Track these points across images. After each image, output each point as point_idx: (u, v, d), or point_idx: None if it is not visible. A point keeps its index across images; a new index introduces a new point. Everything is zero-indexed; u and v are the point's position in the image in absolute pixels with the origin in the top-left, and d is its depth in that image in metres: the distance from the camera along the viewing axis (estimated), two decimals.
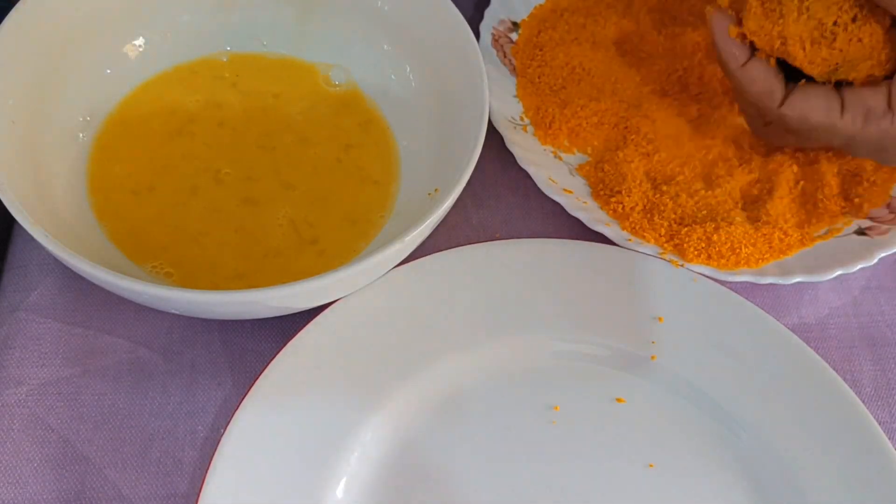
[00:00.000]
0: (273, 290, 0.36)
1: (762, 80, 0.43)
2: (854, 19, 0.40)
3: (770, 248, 0.48)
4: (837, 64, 0.41)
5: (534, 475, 0.41)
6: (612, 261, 0.46)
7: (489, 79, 0.44)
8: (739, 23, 0.43)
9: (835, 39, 0.41)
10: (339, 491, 0.39)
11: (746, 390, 0.42)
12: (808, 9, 0.41)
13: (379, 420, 0.41)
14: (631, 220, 0.48)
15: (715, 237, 0.47)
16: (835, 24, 0.41)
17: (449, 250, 0.45)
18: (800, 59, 0.42)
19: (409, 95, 0.49)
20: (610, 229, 0.47)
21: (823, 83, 0.43)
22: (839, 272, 0.46)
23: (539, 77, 0.54)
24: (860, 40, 0.40)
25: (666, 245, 0.47)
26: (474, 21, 0.56)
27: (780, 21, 0.41)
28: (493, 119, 0.50)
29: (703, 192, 0.50)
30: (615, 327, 0.44)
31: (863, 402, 0.42)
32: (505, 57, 0.55)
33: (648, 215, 0.48)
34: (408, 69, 0.50)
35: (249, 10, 0.51)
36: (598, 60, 0.53)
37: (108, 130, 0.47)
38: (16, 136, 0.42)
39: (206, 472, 0.38)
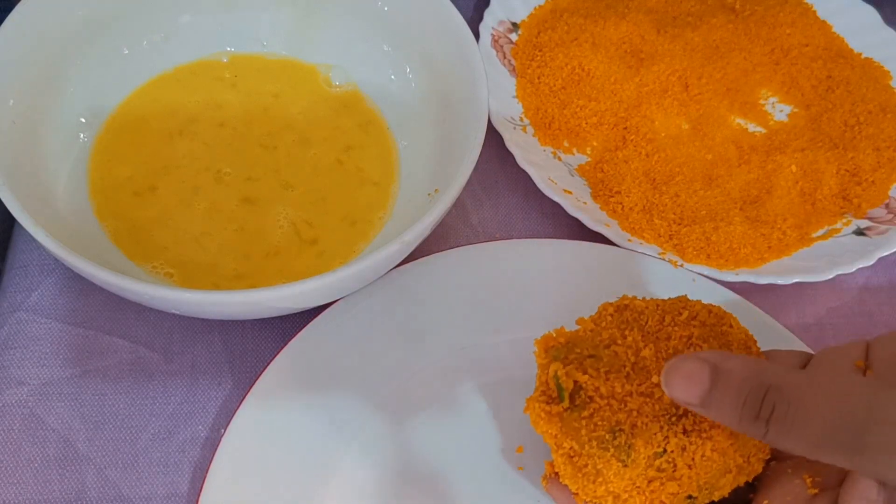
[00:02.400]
0: (273, 291, 0.36)
1: None
2: (686, 433, 0.32)
3: (769, 247, 0.48)
4: (691, 495, 0.33)
5: (535, 475, 0.41)
6: (612, 261, 0.46)
7: (489, 79, 0.44)
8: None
9: (675, 468, 0.32)
10: (339, 491, 0.39)
11: None
12: (628, 447, 0.32)
13: (378, 420, 0.41)
14: (630, 220, 0.48)
15: (714, 237, 0.47)
16: (664, 451, 0.32)
17: (448, 251, 0.45)
18: None
19: (408, 96, 0.49)
20: (609, 229, 0.47)
21: None
22: (838, 272, 0.46)
23: (539, 78, 0.54)
24: (704, 456, 0.32)
25: (665, 245, 0.47)
26: (474, 22, 0.56)
27: (600, 479, 0.33)
28: (492, 119, 0.50)
29: (702, 192, 0.50)
30: None
31: None
32: (504, 58, 0.55)
33: (648, 215, 0.48)
34: (408, 70, 0.50)
35: (249, 11, 0.51)
36: (597, 61, 0.53)
37: (108, 131, 0.47)
38: (16, 137, 0.42)
39: (206, 472, 0.38)
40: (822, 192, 0.50)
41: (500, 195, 0.52)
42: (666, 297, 0.39)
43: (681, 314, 0.36)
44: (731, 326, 0.36)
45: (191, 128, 0.48)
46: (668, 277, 0.45)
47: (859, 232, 0.49)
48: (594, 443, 0.33)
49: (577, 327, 0.37)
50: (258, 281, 0.43)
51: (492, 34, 0.56)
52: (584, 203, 0.49)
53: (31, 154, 0.43)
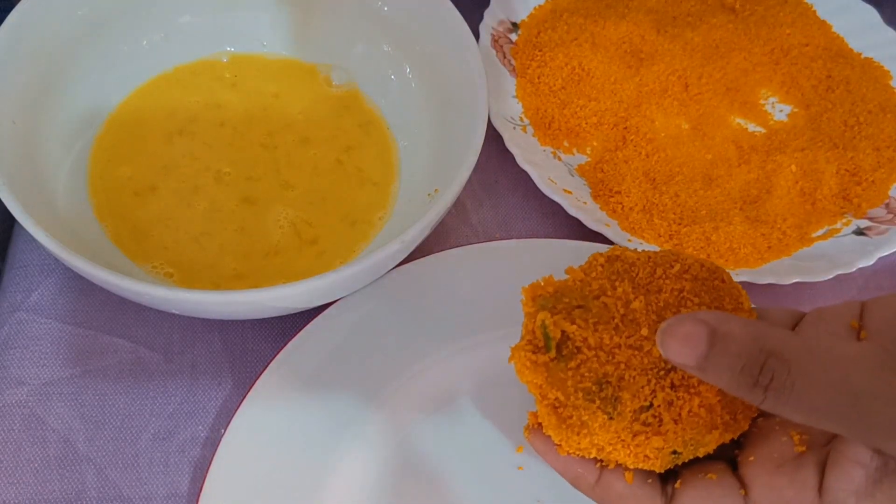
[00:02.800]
0: (273, 291, 0.36)
1: (628, 495, 0.33)
2: (673, 387, 0.32)
3: (769, 247, 0.48)
4: (676, 451, 0.32)
5: (534, 475, 0.41)
6: None
7: (489, 79, 0.44)
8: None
9: (661, 422, 0.32)
10: (339, 491, 0.39)
11: None
12: (615, 400, 0.32)
13: (378, 420, 0.41)
14: (630, 219, 0.48)
15: (714, 237, 0.47)
16: (650, 405, 0.32)
17: (448, 251, 0.45)
18: (630, 461, 0.32)
19: (408, 96, 0.49)
20: (609, 229, 0.47)
21: (718, 466, 0.33)
22: (838, 272, 0.46)
23: (538, 77, 0.54)
24: (691, 412, 0.32)
25: (665, 245, 0.47)
26: (474, 22, 0.56)
27: (585, 431, 0.32)
28: (492, 119, 0.50)
29: (702, 191, 0.50)
30: None
31: None
32: (504, 58, 0.55)
33: (648, 215, 0.48)
34: (407, 70, 0.50)
35: (249, 11, 0.51)
36: (597, 61, 0.53)
37: (108, 131, 0.47)
38: (16, 137, 0.42)
39: (207, 472, 0.38)
40: (822, 191, 0.50)
41: (499, 195, 0.52)
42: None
43: (672, 267, 0.35)
44: (722, 281, 0.35)
45: (191, 127, 0.48)
46: None
47: (859, 232, 0.49)
48: (580, 394, 0.32)
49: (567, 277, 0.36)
50: (258, 281, 0.43)
51: (491, 34, 0.56)
52: (584, 203, 0.49)
53: (31, 154, 0.43)
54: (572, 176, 0.51)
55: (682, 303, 0.34)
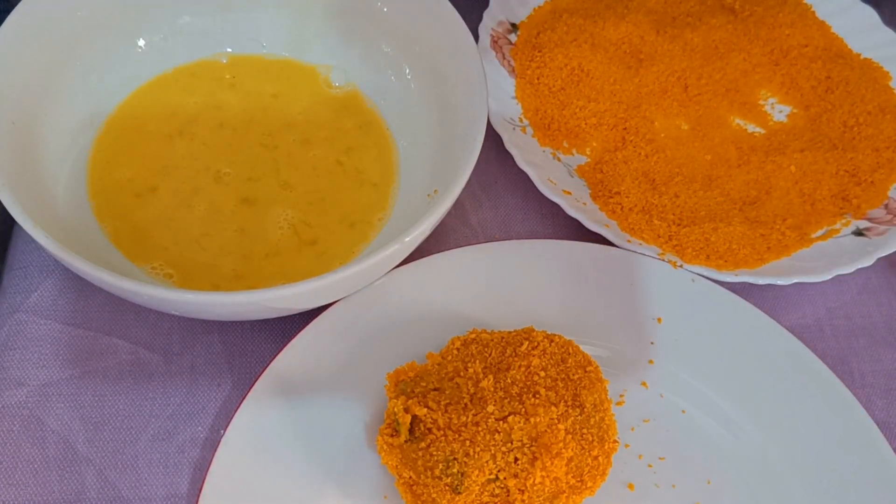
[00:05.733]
0: (272, 291, 0.36)
1: None
2: (516, 461, 0.34)
3: (768, 248, 0.48)
4: None
5: None
6: (611, 261, 0.46)
7: (488, 80, 0.44)
8: None
9: (508, 493, 0.35)
10: (339, 491, 0.39)
11: (744, 390, 0.43)
12: (461, 475, 0.35)
13: (378, 420, 0.41)
14: (630, 220, 0.48)
15: (713, 237, 0.47)
16: (496, 478, 0.35)
17: (448, 251, 0.45)
18: None
19: (408, 97, 0.49)
20: (609, 230, 0.47)
21: None
22: (837, 273, 0.46)
23: (538, 78, 0.54)
24: (535, 482, 0.35)
25: (665, 245, 0.47)
26: (473, 22, 0.56)
27: None
28: (492, 120, 0.50)
29: (701, 192, 0.50)
30: (614, 328, 0.44)
31: (860, 401, 0.42)
32: (504, 58, 0.55)
33: (647, 216, 0.48)
34: (407, 71, 0.50)
35: (249, 12, 0.51)
36: (596, 62, 0.53)
37: (108, 132, 0.48)
38: (16, 138, 0.42)
39: (206, 472, 0.38)
40: (821, 192, 0.50)
41: (499, 196, 0.52)
42: (667, 298, 0.40)
43: (521, 345, 0.38)
44: (569, 353, 0.38)
45: (190, 128, 0.48)
46: (668, 278, 0.45)
47: (858, 232, 0.49)
48: (429, 472, 0.35)
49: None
50: (258, 282, 0.43)
51: (491, 35, 0.56)
52: (584, 204, 0.49)
53: (30, 155, 0.43)
54: (572, 177, 0.51)
55: (529, 377, 0.37)
